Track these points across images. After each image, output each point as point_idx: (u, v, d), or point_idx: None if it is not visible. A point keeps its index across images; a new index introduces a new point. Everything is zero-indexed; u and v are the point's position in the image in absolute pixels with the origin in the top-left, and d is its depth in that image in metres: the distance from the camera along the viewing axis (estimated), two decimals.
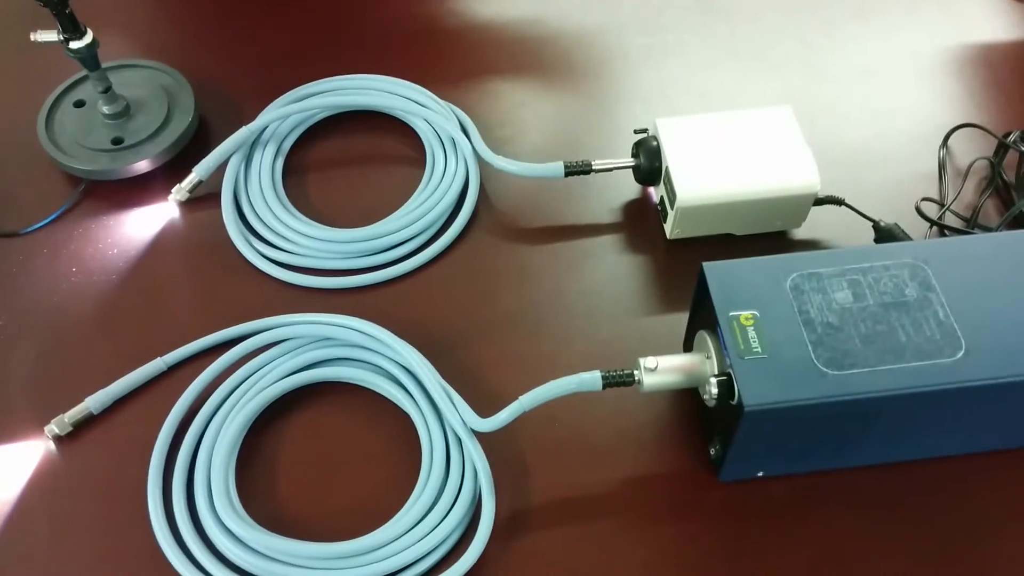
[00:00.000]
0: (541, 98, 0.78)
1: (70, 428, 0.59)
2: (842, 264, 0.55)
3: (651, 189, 0.71)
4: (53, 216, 0.70)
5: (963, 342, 0.51)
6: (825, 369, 0.51)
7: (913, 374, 0.50)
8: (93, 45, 0.67)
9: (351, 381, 0.61)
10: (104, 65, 0.70)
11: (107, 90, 0.71)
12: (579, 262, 0.68)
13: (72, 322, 0.65)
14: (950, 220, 0.69)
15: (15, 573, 0.55)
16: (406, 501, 0.56)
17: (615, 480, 0.58)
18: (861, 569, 0.54)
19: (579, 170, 0.68)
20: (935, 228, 0.68)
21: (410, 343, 0.60)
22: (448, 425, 0.58)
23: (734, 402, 0.51)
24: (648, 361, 0.55)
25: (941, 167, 0.72)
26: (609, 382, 0.55)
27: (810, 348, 0.51)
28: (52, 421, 0.59)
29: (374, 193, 0.71)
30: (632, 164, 0.68)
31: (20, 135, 0.73)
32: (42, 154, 0.71)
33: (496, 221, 0.70)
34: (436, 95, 0.75)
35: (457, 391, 0.58)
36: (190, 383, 0.60)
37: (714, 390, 0.52)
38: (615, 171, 0.69)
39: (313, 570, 0.53)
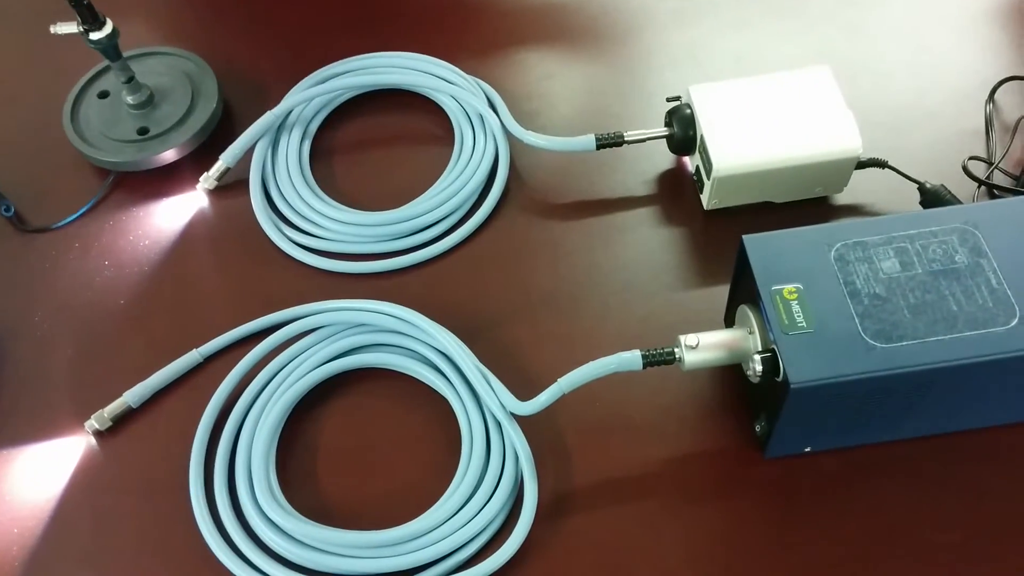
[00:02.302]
0: (569, 68, 0.76)
1: (110, 423, 0.59)
2: (888, 231, 0.53)
3: (686, 159, 0.69)
4: (83, 210, 0.70)
5: (1017, 309, 0.49)
6: (873, 342, 0.49)
7: (966, 344, 0.49)
8: (114, 35, 0.66)
9: (387, 367, 0.61)
10: (126, 54, 0.69)
11: (130, 80, 0.70)
12: (614, 237, 0.66)
13: (107, 315, 0.65)
14: (999, 179, 0.66)
15: (60, 568, 0.55)
16: (447, 486, 0.55)
17: (658, 459, 0.57)
18: (914, 542, 0.53)
19: (611, 142, 0.66)
20: (983, 188, 0.65)
21: (445, 326, 0.60)
22: (487, 409, 0.57)
23: (779, 379, 0.50)
24: (689, 339, 0.54)
25: (988, 123, 0.69)
26: (650, 361, 0.54)
27: (857, 321, 0.50)
28: (92, 416, 0.59)
29: (402, 174, 0.70)
30: (665, 134, 0.66)
31: (46, 129, 0.73)
32: (69, 147, 0.71)
33: (528, 198, 0.69)
34: (462, 70, 0.74)
35: (495, 373, 0.58)
36: (226, 374, 0.60)
37: (758, 367, 0.51)
38: (648, 141, 0.67)
39: (357, 558, 0.53)
